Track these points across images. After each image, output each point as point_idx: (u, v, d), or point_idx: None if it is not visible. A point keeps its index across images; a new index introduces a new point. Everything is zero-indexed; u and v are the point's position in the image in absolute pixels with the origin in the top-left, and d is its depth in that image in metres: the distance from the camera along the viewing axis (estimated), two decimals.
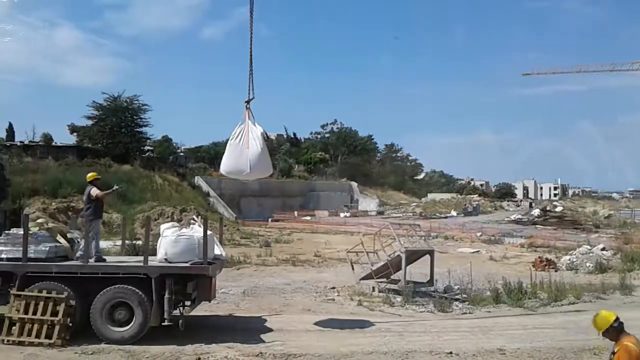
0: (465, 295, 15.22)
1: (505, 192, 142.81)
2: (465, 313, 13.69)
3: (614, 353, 5.31)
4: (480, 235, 39.45)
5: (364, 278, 16.52)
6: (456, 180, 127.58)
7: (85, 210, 11.18)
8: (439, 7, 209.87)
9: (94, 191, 11.06)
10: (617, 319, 5.41)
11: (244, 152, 11.39)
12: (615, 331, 5.38)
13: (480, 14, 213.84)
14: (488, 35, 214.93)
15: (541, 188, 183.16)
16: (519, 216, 65.44)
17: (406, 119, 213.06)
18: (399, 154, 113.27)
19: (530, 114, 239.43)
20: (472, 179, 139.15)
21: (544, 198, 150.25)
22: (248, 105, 11.75)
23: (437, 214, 68.41)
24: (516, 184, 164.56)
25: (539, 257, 24.13)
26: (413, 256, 16.22)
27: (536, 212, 64.40)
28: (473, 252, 29.47)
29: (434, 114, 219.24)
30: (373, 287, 16.08)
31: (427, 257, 16.51)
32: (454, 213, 71.68)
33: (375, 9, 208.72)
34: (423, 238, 18.15)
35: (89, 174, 11.61)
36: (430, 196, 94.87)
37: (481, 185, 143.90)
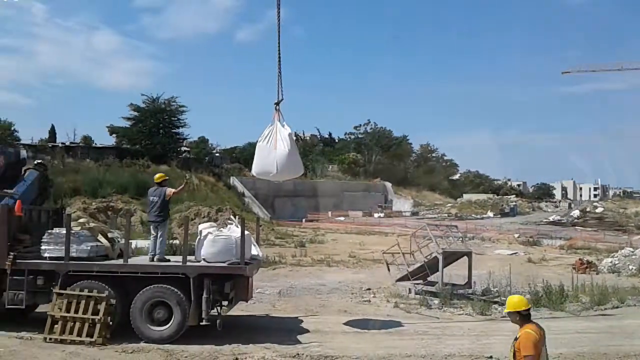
0: (504, 298, 14.89)
1: (543, 193, 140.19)
2: (505, 316, 13.37)
3: (516, 339, 5.51)
4: (518, 237, 38.82)
5: (400, 279, 16.38)
6: (492, 181, 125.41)
7: (160, 212, 11.12)
8: (472, 6, 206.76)
9: (169, 191, 11.17)
10: (528, 309, 5.64)
11: (271, 153, 11.42)
12: (521, 318, 5.57)
13: (516, 12, 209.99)
14: (525, 33, 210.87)
15: (580, 188, 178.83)
16: (558, 217, 64.27)
17: (441, 119, 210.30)
18: (434, 154, 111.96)
19: (569, 113, 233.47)
20: (508, 179, 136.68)
21: (583, 199, 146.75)
22: (277, 107, 11.81)
23: (472, 215, 67.44)
24: (554, 185, 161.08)
25: (580, 260, 23.56)
26: (450, 258, 16.00)
27: (576, 213, 63.11)
28: (511, 254, 28.98)
29: (470, 114, 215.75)
30: (409, 289, 15.93)
31: (464, 258, 16.27)
32: (490, 214, 70.62)
33: (405, 8, 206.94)
34: (460, 239, 17.86)
35: (157, 175, 11.71)
36: (466, 197, 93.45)
37: (518, 185, 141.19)
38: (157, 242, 10.97)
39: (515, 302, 5.64)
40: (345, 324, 12.20)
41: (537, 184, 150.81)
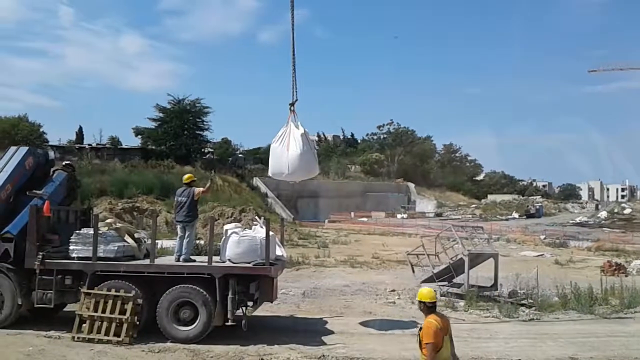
0: (532, 301, 14.67)
1: (569, 194, 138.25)
2: (532, 319, 13.20)
3: (421, 329, 5.88)
4: (544, 238, 38.24)
5: (424, 281, 16.20)
6: (517, 181, 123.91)
7: (188, 212, 11.20)
8: (497, 5, 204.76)
9: (198, 190, 11.27)
10: (433, 303, 5.98)
11: (284, 153, 11.47)
12: (426, 308, 5.97)
13: (544, 10, 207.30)
14: (551, 32, 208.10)
15: (607, 189, 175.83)
16: (585, 218, 63.40)
17: (466, 119, 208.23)
18: (457, 154, 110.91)
19: (595, 112, 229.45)
20: (534, 180, 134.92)
21: (610, 200, 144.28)
22: (292, 108, 11.87)
23: (497, 216, 66.72)
24: (581, 185, 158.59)
25: (608, 262, 23.08)
26: (476, 259, 15.78)
27: (603, 214, 62.19)
28: (537, 256, 28.53)
29: (495, 113, 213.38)
30: (434, 291, 15.72)
31: (490, 260, 16.05)
32: (515, 215, 69.88)
33: (430, 7, 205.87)
34: (486, 240, 17.62)
35: (186, 176, 11.81)
36: (491, 197, 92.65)
37: (543, 186, 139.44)
38: (184, 243, 11.03)
39: (424, 293, 6.08)
40: (370, 325, 12.12)
41: (563, 184, 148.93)
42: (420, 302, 6.02)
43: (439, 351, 5.71)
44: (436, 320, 5.83)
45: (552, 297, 15.08)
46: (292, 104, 11.91)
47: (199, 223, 30.23)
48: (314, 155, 12.22)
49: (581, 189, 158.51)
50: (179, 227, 11.36)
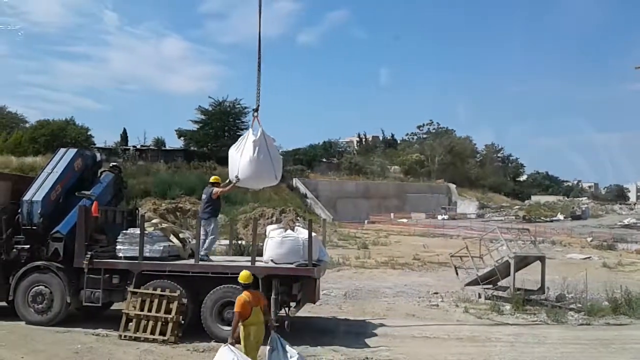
0: (580, 305, 14.23)
1: (616, 195, 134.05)
2: (582, 324, 12.79)
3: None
4: (591, 241, 37.16)
5: (469, 284, 15.93)
6: (562, 182, 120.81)
7: (205, 209, 11.46)
8: (537, 5, 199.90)
9: (216, 190, 11.44)
10: (246, 283, 7.72)
11: (237, 160, 11.35)
12: (242, 286, 7.75)
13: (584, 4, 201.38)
14: (594, 28, 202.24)
15: None
16: (634, 220, 61.28)
17: (508, 118, 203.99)
18: (499, 155, 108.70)
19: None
20: (579, 181, 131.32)
21: None
22: (255, 114, 11.75)
23: (542, 218, 65.14)
24: (629, 186, 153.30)
25: None
26: (522, 262, 15.41)
27: None
28: (584, 259, 27.75)
29: (537, 112, 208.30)
30: (479, 294, 15.47)
31: (536, 263, 15.64)
32: (560, 216, 68.07)
33: (464, 7, 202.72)
34: (532, 243, 17.17)
35: (212, 177, 12.04)
36: (534, 198, 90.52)
37: (589, 187, 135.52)
38: (207, 241, 11.18)
39: (241, 275, 7.79)
40: (414, 328, 11.96)
41: (610, 185, 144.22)
42: (238, 282, 7.76)
43: (248, 319, 7.37)
44: (246, 295, 7.48)
45: (601, 301, 14.59)
46: (255, 110, 11.78)
47: (239, 223, 30.64)
48: (271, 164, 11.59)
49: (629, 190, 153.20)
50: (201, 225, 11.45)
